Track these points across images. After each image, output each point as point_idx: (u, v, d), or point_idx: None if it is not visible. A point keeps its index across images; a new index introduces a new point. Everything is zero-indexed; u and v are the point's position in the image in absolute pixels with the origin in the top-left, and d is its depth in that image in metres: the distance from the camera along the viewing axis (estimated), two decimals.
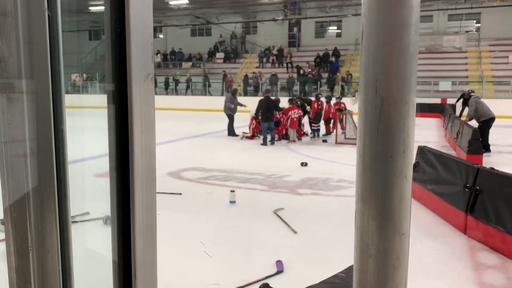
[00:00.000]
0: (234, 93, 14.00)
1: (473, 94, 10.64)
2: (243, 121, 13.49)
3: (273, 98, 13.07)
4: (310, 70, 25.22)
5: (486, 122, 9.97)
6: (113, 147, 0.72)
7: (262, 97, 12.29)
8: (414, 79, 0.64)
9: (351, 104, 12.83)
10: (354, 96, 20.12)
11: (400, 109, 0.63)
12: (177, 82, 27.21)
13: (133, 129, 0.70)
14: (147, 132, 0.72)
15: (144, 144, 0.72)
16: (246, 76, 25.77)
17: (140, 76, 0.71)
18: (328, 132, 13.19)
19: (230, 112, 13.27)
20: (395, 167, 0.65)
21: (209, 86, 26.52)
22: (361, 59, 0.65)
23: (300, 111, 12.30)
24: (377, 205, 0.65)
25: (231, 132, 13.24)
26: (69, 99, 0.91)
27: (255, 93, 24.73)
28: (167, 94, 26.78)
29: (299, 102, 13.01)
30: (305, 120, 13.22)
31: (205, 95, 26.42)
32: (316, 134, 12.97)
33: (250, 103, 14.20)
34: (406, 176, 0.65)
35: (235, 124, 13.40)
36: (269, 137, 11.63)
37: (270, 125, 11.60)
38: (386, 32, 0.62)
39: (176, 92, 27.26)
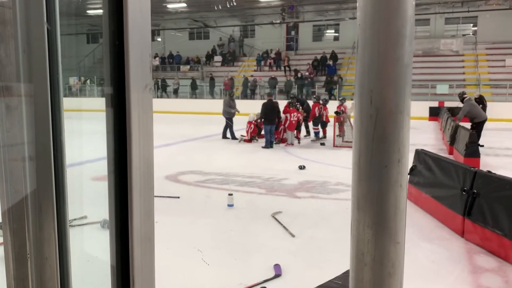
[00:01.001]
0: (231, 96, 14.03)
1: (465, 96, 10.88)
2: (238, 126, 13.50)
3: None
4: (308, 73, 25.25)
5: (480, 123, 10.56)
6: (111, 153, 0.72)
7: (265, 101, 12.28)
8: (408, 89, 0.65)
9: (348, 112, 12.86)
10: (352, 99, 20.13)
11: (395, 118, 0.64)
12: (165, 87, 27.29)
13: (131, 138, 0.71)
14: (145, 142, 0.72)
15: (142, 153, 0.72)
16: (231, 79, 25.69)
17: (138, 86, 0.71)
18: (324, 136, 13.21)
19: (229, 116, 13.26)
20: (390, 176, 0.65)
21: (196, 89, 26.67)
22: (357, 69, 0.66)
23: (299, 114, 12.31)
24: (373, 214, 0.66)
25: (231, 135, 13.19)
26: (66, 102, 0.91)
27: (252, 95, 24.74)
28: (158, 97, 26.90)
29: (298, 105, 13.02)
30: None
31: (194, 98, 26.60)
32: (317, 136, 13.02)
33: (244, 106, 14.26)
34: (401, 185, 0.66)
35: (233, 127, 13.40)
36: None
37: (271, 128, 11.62)
38: (381, 43, 0.63)
39: (166, 95, 27.38)
